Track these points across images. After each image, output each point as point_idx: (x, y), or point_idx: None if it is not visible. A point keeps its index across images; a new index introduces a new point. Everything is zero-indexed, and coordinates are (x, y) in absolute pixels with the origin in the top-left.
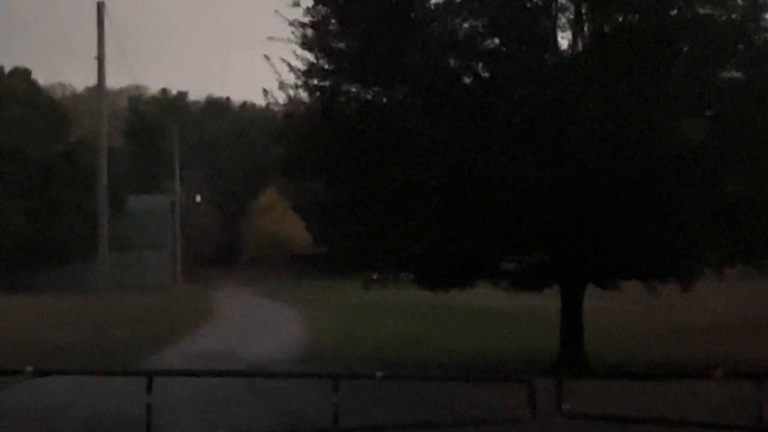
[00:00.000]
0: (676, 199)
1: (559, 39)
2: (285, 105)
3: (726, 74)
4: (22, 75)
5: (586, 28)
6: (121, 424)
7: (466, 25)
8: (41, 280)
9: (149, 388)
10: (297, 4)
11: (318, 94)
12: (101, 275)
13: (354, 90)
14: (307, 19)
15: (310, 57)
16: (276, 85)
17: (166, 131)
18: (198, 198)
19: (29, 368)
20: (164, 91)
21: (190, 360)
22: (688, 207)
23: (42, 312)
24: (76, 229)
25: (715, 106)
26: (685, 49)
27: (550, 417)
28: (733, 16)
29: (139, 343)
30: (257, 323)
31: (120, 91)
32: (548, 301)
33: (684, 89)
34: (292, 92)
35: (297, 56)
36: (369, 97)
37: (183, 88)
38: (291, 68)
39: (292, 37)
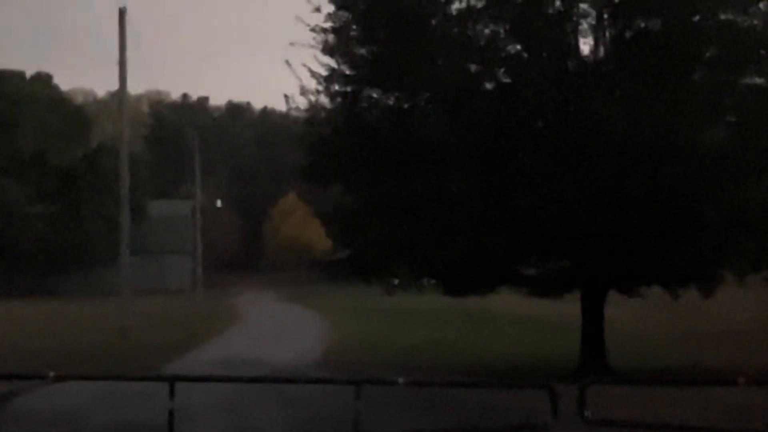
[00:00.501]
0: (698, 204)
1: (581, 45)
2: (306, 110)
3: (748, 80)
4: (44, 80)
5: (607, 34)
6: (142, 429)
7: (487, 31)
8: (62, 285)
9: (171, 394)
10: (318, 10)
11: (339, 99)
12: (122, 280)
13: (375, 95)
14: (328, 25)
15: (332, 62)
16: (297, 90)
17: (187, 136)
18: (219, 203)
19: (51, 373)
20: (185, 96)
21: (214, 365)
22: (711, 213)
23: (64, 316)
24: (97, 234)
25: (737, 112)
26: (707, 55)
27: (572, 423)
28: (755, 22)
29: (163, 348)
30: (279, 328)
31: (141, 96)
32: (569, 307)
33: (706, 95)
34: (313, 98)
35: (318, 62)
36: (390, 102)
37: (204, 93)
38: (312, 74)
39: (313, 42)
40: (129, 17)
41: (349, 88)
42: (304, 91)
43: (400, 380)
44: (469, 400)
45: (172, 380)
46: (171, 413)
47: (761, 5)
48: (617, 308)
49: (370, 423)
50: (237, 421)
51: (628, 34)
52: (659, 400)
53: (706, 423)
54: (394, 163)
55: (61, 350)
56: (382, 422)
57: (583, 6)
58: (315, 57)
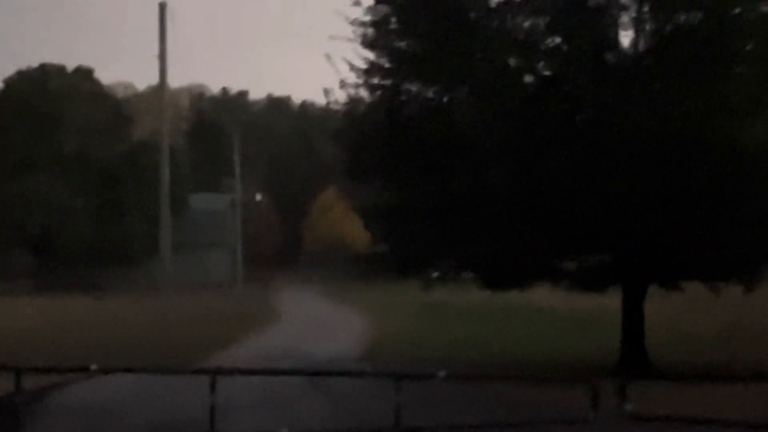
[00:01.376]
0: (740, 198)
1: (621, 38)
2: (346, 104)
3: None
4: (85, 74)
5: (647, 28)
6: (184, 422)
7: (527, 24)
8: (104, 280)
9: (213, 387)
10: (358, 4)
11: (378, 93)
12: (163, 274)
13: (415, 89)
14: (367, 18)
15: (371, 56)
16: (337, 84)
17: (227, 130)
18: (258, 197)
19: (94, 366)
20: (225, 90)
21: (256, 360)
22: (753, 207)
23: (106, 311)
24: (138, 229)
25: None
26: (748, 48)
27: (613, 418)
28: None
29: (205, 343)
30: (320, 323)
31: (181, 90)
32: (611, 302)
33: (747, 89)
34: (352, 91)
35: (358, 55)
36: (430, 96)
37: (243, 87)
38: (352, 67)
39: (352, 36)
40: (169, 11)
41: (388, 82)
42: (343, 85)
43: (441, 374)
44: (509, 395)
45: (214, 373)
46: (212, 406)
47: None
48: (661, 303)
49: (411, 416)
50: (278, 413)
51: (668, 28)
52: (700, 395)
53: (747, 419)
54: (433, 158)
55: (102, 344)
56: (422, 415)
57: None
58: (354, 50)
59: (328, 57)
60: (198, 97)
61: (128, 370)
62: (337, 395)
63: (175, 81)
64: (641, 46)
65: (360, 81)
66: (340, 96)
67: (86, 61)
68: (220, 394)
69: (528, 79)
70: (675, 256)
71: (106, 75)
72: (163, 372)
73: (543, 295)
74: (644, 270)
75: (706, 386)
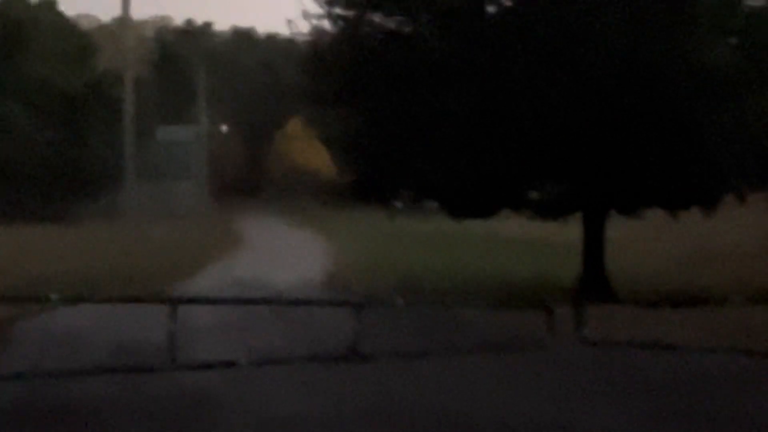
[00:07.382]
0: (699, 124)
1: None
2: (309, 35)
3: (752, 2)
4: (48, 6)
5: None
6: (145, 350)
7: None
8: (70, 210)
9: (173, 316)
10: None
11: (341, 23)
12: (129, 204)
13: (377, 19)
14: None
15: None
16: (300, 14)
17: (192, 62)
18: (224, 128)
19: (55, 296)
20: (189, 21)
21: (219, 288)
22: (712, 132)
23: (70, 240)
24: (104, 160)
25: (741, 33)
26: None
27: (570, 343)
28: None
29: (169, 271)
30: (285, 252)
31: (146, 22)
32: (573, 231)
33: (709, 15)
34: (316, 22)
35: None
36: (392, 26)
37: (208, 19)
38: None
39: None
40: None
41: (351, 13)
42: (306, 16)
43: (399, 302)
44: (468, 321)
45: (174, 302)
46: (172, 335)
47: None
48: (623, 230)
49: (370, 343)
50: (239, 341)
51: None
52: (660, 320)
53: (704, 343)
54: (395, 83)
55: (66, 274)
56: (381, 342)
57: None
58: None
59: None
60: (162, 29)
61: (89, 300)
62: (297, 323)
63: (139, 13)
64: None
65: (323, 12)
66: (304, 27)
67: None
68: (181, 323)
69: (490, 6)
70: (634, 182)
71: (70, 7)
72: (124, 301)
73: (508, 225)
74: (604, 197)
75: (666, 311)
